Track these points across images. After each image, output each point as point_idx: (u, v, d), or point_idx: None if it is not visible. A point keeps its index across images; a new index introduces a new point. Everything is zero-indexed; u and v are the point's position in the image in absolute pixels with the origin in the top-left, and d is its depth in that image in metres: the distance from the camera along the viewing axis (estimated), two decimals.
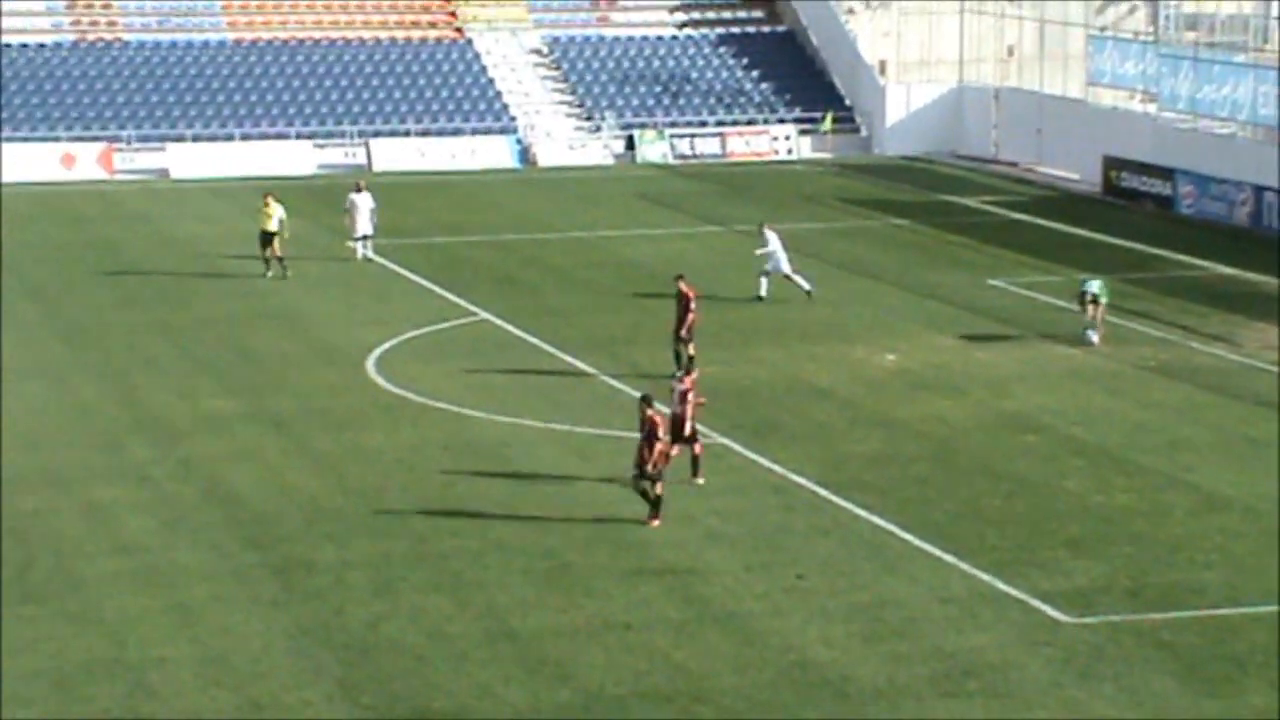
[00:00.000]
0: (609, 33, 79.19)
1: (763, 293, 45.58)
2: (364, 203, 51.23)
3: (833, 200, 63.48)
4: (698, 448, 31.22)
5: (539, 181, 68.14)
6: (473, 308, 45.50)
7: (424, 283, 48.66)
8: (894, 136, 74.21)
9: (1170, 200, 61.04)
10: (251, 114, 72.01)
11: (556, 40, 78.37)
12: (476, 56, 76.66)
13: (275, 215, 48.68)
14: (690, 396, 31.01)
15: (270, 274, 48.62)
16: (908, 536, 28.72)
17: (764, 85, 76.76)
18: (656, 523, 28.97)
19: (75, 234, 56.76)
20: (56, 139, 69.24)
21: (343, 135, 71.67)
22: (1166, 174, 61.43)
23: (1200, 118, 62.87)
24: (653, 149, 73.00)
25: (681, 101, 75.82)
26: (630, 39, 78.71)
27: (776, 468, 32.33)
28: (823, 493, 30.94)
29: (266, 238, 48.75)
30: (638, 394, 31.85)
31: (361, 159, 70.57)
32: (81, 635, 24.68)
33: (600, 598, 26.10)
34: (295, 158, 69.91)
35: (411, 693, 23.00)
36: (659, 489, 28.95)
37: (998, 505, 30.40)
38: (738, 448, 33.36)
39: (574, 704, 22.73)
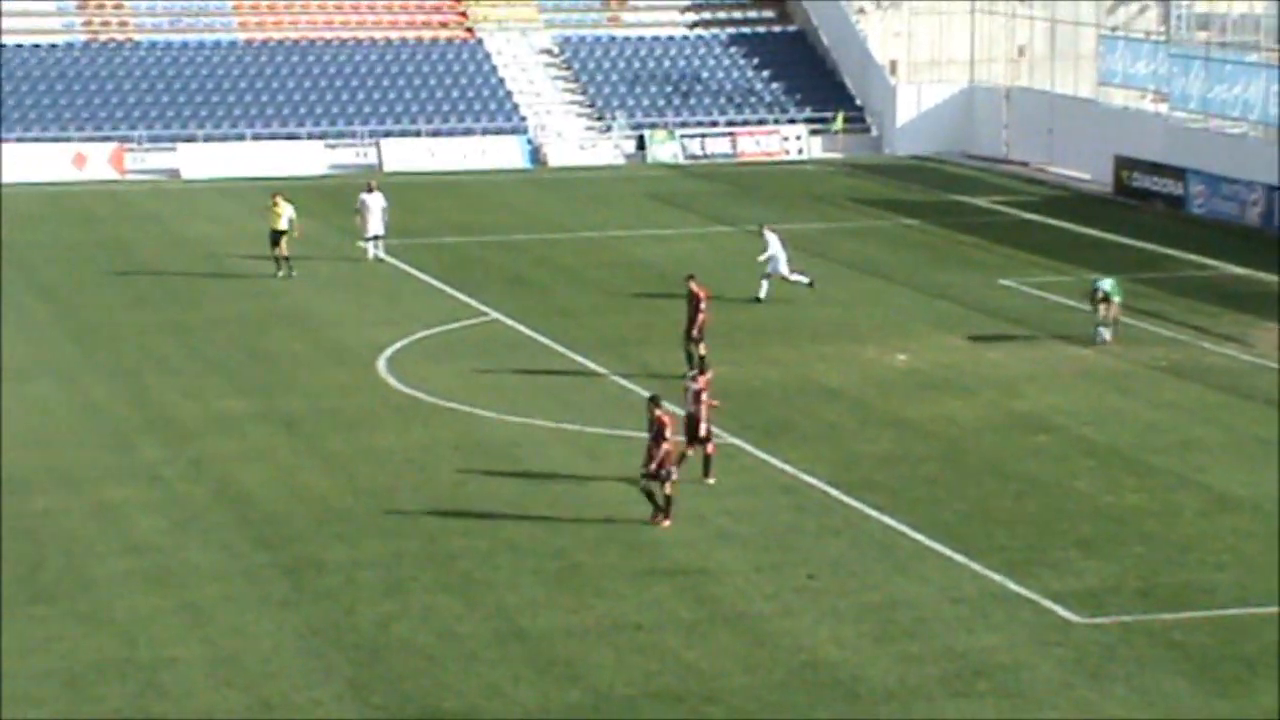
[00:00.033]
0: (620, 33, 79.20)
1: (762, 294, 45.58)
2: (375, 203, 51.25)
3: (843, 200, 63.46)
4: (710, 448, 31.21)
5: (550, 181, 68.15)
6: (483, 308, 45.51)
7: (435, 283, 48.68)
8: (905, 136, 74.18)
9: (1181, 200, 60.97)
10: (262, 114, 72.07)
11: (567, 40, 78.39)
12: (487, 56, 76.69)
13: (284, 214, 48.74)
14: (704, 396, 31.01)
15: (280, 274, 48.66)
16: (918, 536, 28.71)
17: (775, 85, 76.74)
18: (667, 523, 28.97)
19: (86, 234, 56.83)
20: (68, 139, 69.33)
21: (353, 135, 71.71)
22: (1178, 174, 61.35)
23: (1211, 118, 62.80)
24: (663, 149, 72.99)
25: (692, 101, 75.82)
26: (641, 39, 78.71)
27: (787, 468, 32.32)
28: (833, 493, 30.93)
29: (276, 237, 48.81)
30: (648, 394, 31.85)
31: (372, 159, 70.61)
32: (92, 635, 24.71)
33: (611, 598, 26.10)
34: (306, 158, 69.96)
35: (422, 692, 23.01)
36: (669, 489, 28.95)
37: (1009, 505, 30.38)
38: (748, 448, 33.34)
39: (584, 704, 22.73)
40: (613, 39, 78.76)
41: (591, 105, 75.38)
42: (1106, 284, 41.68)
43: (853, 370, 39.40)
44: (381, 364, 39.83)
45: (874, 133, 75.36)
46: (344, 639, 24.63)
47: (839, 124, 74.13)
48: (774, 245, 45.81)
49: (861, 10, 78.00)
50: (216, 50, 74.82)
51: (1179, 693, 23.06)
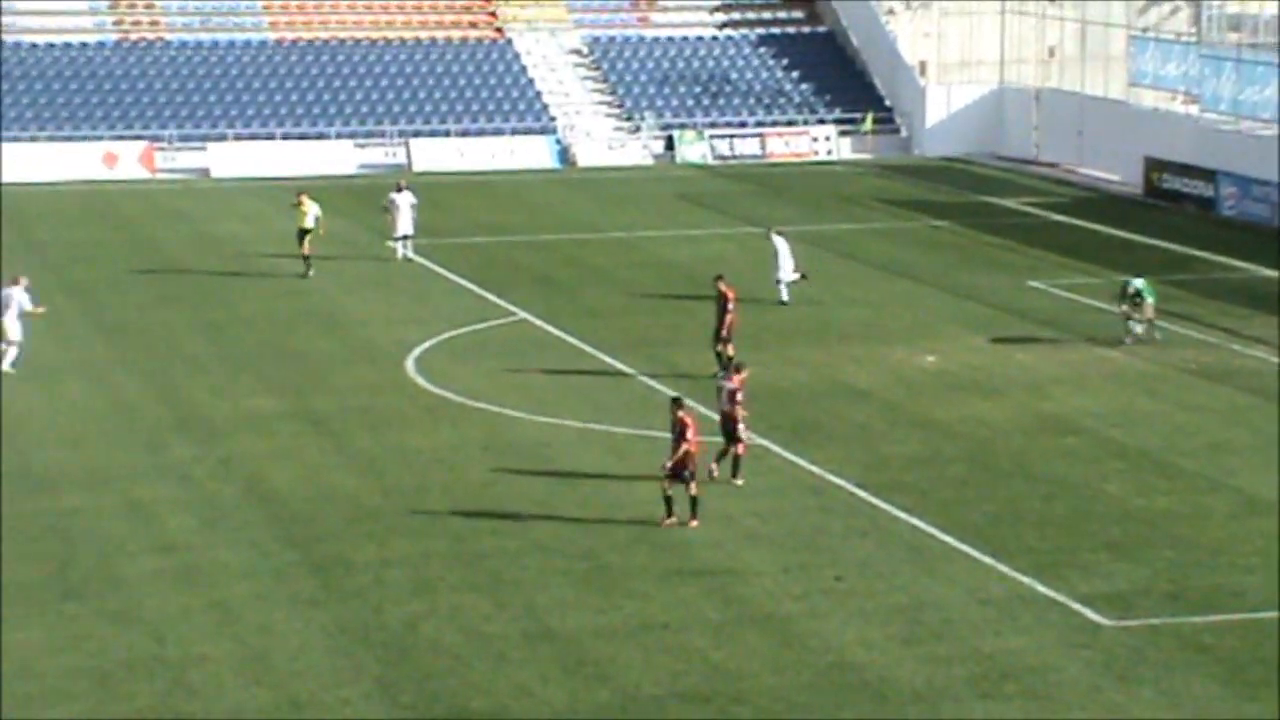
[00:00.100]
0: (649, 33, 79.22)
1: (785, 297, 45.60)
2: (405, 202, 51.34)
3: (872, 201, 63.40)
4: (740, 448, 31.22)
5: (578, 182, 68.19)
6: (512, 308, 45.56)
7: (463, 282, 48.75)
8: (934, 137, 74.08)
9: (1212, 202, 60.80)
10: (292, 113, 72.22)
11: (596, 40, 78.42)
12: (516, 57, 76.76)
13: (311, 213, 48.87)
14: (739, 396, 31.02)
15: (311, 273, 48.77)
16: (946, 538, 28.68)
17: (804, 86, 76.69)
18: (695, 523, 28.98)
19: (116, 233, 57.01)
20: (99, 138, 69.55)
21: (383, 135, 71.82)
22: (1208, 175, 61.18)
23: (1242, 119, 62.60)
24: (692, 149, 72.99)
25: (721, 102, 75.80)
26: (670, 39, 78.71)
27: (815, 469, 32.31)
28: (861, 494, 30.91)
29: (304, 236, 48.94)
30: (672, 395, 31.88)
31: (402, 159, 70.72)
32: (122, 633, 24.80)
33: (639, 598, 26.12)
34: (336, 157, 70.10)
35: (450, 692, 23.05)
36: (694, 489, 28.95)
37: (1037, 507, 30.33)
38: (776, 449, 33.34)
39: (612, 704, 22.76)
40: (642, 39, 78.78)
41: (620, 105, 75.41)
42: (1139, 283, 41.64)
43: (881, 371, 39.37)
44: (410, 363, 39.90)
45: (903, 134, 75.27)
46: (372, 638, 24.69)
47: (868, 125, 74.07)
48: (782, 248, 45.85)
49: (891, 11, 77.91)
50: (247, 50, 75.00)
51: (1208, 696, 23.01)
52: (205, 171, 69.00)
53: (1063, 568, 27.35)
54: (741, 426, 31.10)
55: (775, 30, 79.84)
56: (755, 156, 73.15)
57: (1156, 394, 37.80)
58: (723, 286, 38.65)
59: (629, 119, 74.67)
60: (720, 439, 31.40)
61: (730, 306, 38.32)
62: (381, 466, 32.45)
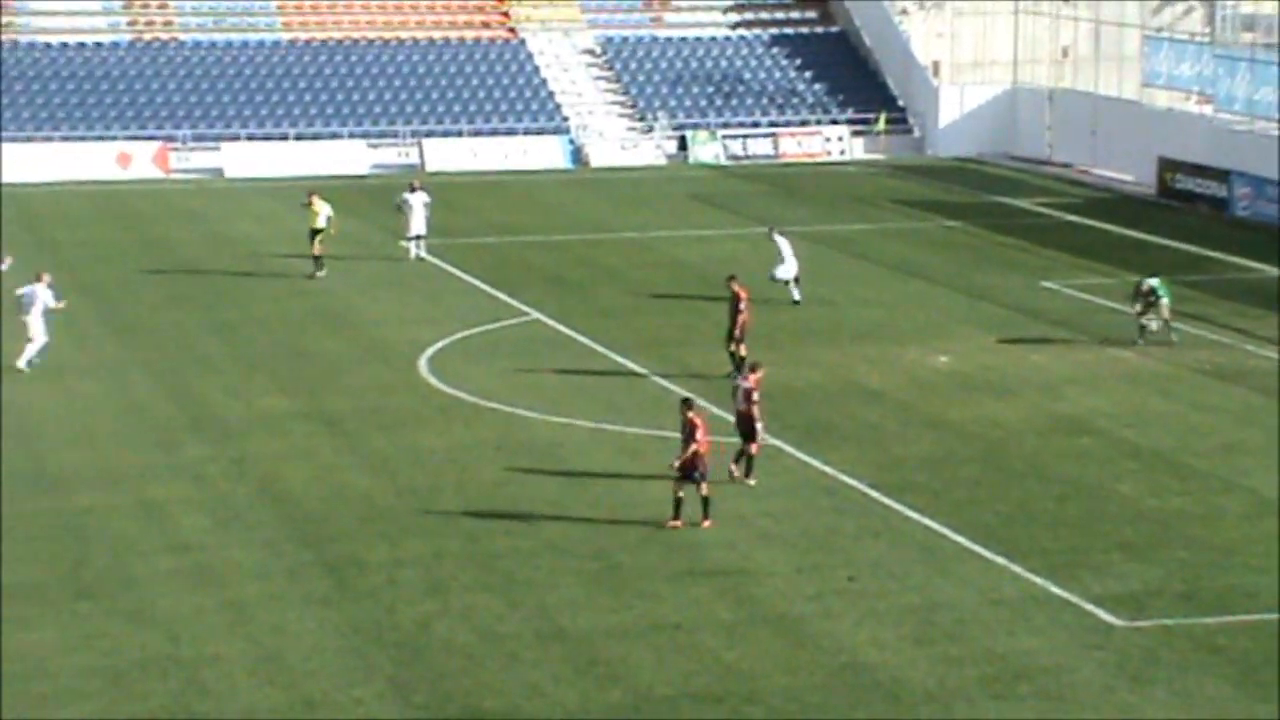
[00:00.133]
0: (662, 33, 79.22)
1: (797, 296, 45.60)
2: (418, 202, 51.39)
3: (885, 201, 63.37)
4: (754, 448, 31.23)
5: (591, 182, 68.21)
6: (525, 308, 45.59)
7: (476, 282, 48.78)
8: (947, 137, 74.04)
9: (1225, 202, 60.72)
10: (306, 114, 72.31)
11: (609, 40, 78.44)
12: (529, 57, 76.80)
13: (322, 213, 48.93)
14: (755, 395, 31.03)
15: (323, 273, 48.86)
16: (959, 539, 28.67)
17: (817, 86, 76.67)
18: (708, 523, 28.99)
19: (130, 233, 57.10)
20: (113, 138, 69.65)
21: (396, 135, 71.88)
22: (1222, 176, 61.10)
23: (1256, 119, 62.49)
24: (705, 149, 73.00)
25: (734, 102, 75.80)
26: (683, 39, 78.72)
27: (828, 469, 32.31)
28: (874, 494, 30.90)
29: (315, 235, 48.99)
30: (690, 395, 31.91)
31: (414, 159, 70.77)
32: (136, 632, 24.84)
33: (651, 598, 26.13)
34: (349, 157, 70.17)
35: (462, 692, 23.07)
36: (704, 489, 28.94)
37: (1050, 508, 30.31)
38: (789, 449, 33.33)
39: (624, 704, 22.77)
40: (655, 39, 78.79)
41: (633, 106, 75.41)
42: (1153, 281, 41.62)
43: (894, 372, 39.35)
44: (423, 363, 39.93)
45: (916, 134, 75.22)
46: (385, 638, 24.71)
47: (881, 125, 74.03)
48: (785, 248, 45.84)
49: (904, 11, 77.87)
50: (260, 50, 75.09)
51: (1221, 697, 22.98)
52: (219, 171, 69.09)
53: (1076, 568, 27.33)
54: (760, 426, 31.12)
55: (788, 30, 79.82)
56: (768, 157, 73.14)
57: (1170, 394, 37.76)
58: (735, 287, 38.65)
59: (642, 119, 74.68)
60: (738, 439, 31.40)
61: (743, 307, 38.32)
62: (394, 466, 32.48)
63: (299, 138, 71.07)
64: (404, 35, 76.99)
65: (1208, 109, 64.91)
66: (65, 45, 73.57)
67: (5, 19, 74.12)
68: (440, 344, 41.73)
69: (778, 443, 33.34)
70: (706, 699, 22.88)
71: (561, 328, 43.39)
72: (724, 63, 77.65)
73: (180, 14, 76.29)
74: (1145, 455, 33.39)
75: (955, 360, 40.44)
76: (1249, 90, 62.15)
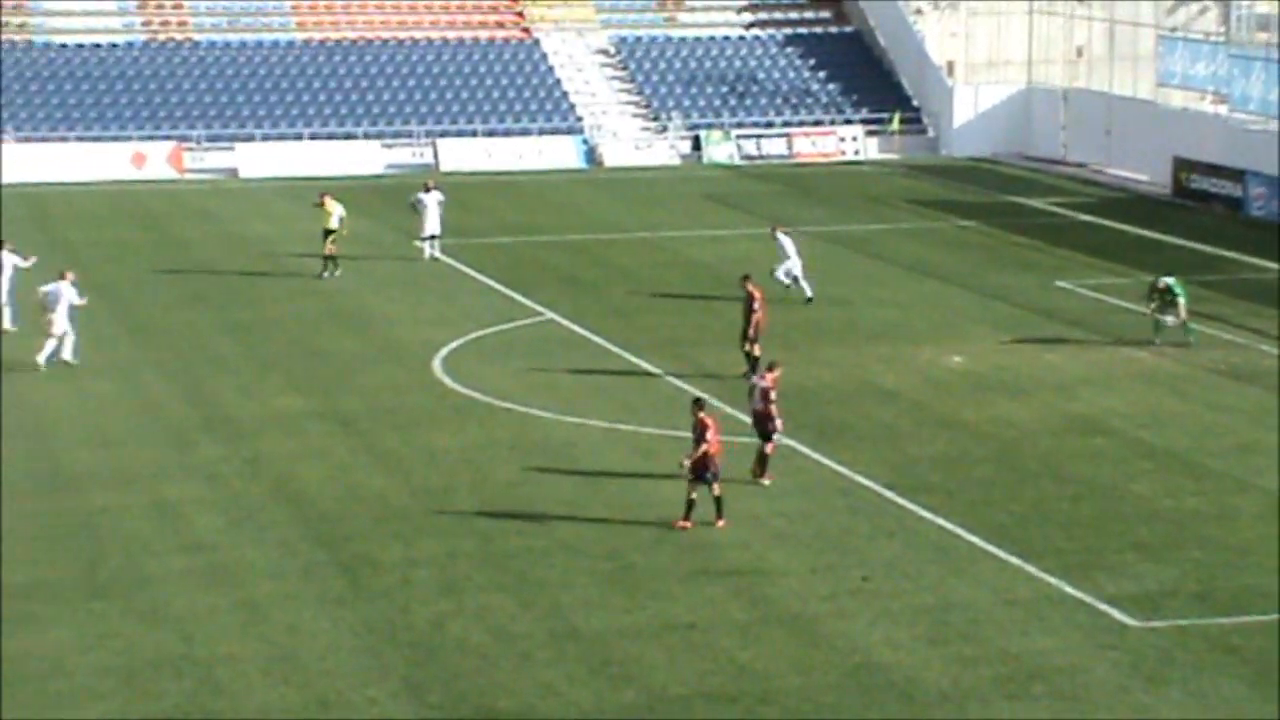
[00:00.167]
0: (676, 33, 79.23)
1: (809, 293, 45.61)
2: (433, 201, 51.44)
3: (900, 201, 63.33)
4: (769, 447, 31.22)
5: (605, 182, 68.22)
6: (539, 307, 45.60)
7: (490, 282, 48.80)
8: (961, 137, 73.99)
9: (1240, 202, 60.63)
10: (320, 114, 72.38)
11: (623, 40, 78.45)
12: (544, 57, 76.83)
13: (335, 213, 48.97)
14: (773, 395, 31.02)
15: (338, 272, 48.91)
16: (973, 539, 28.64)
17: (831, 86, 76.65)
18: (722, 523, 28.98)
19: (145, 233, 57.19)
20: (127, 138, 69.78)
21: (410, 135, 71.95)
22: (1237, 176, 61.02)
23: (1271, 119, 62.37)
24: (719, 149, 72.98)
25: (748, 102, 75.79)
26: (697, 39, 78.72)
27: (842, 469, 32.29)
28: (888, 494, 30.88)
29: (328, 235, 49.04)
30: (703, 395, 31.91)
31: (429, 159, 70.84)
32: (150, 632, 24.87)
33: (665, 598, 26.12)
34: (363, 157, 70.25)
35: (476, 691, 23.08)
36: (717, 489, 28.92)
37: (1065, 508, 30.28)
38: (803, 449, 33.32)
39: (638, 704, 22.76)
40: (669, 39, 78.80)
41: (647, 105, 75.43)
42: (1170, 280, 41.56)
43: (908, 371, 39.33)
44: (437, 363, 39.95)
45: (931, 134, 75.18)
46: (399, 637, 24.73)
47: (895, 125, 73.99)
48: (789, 249, 45.82)
49: (919, 11, 77.84)
50: (275, 50, 75.19)
51: (1236, 697, 22.94)
52: (233, 172, 69.19)
53: (1090, 568, 27.29)
54: (779, 422, 31.12)
55: (802, 30, 79.80)
56: (782, 156, 73.12)
57: (1185, 394, 37.70)
58: (750, 286, 38.64)
59: (656, 119, 74.69)
60: (750, 439, 31.38)
61: (757, 306, 38.31)
62: (409, 466, 32.51)
63: (313, 138, 71.15)
64: (418, 35, 77.05)
65: (1223, 109, 64.82)
66: (80, 46, 73.72)
67: (20, 19, 74.29)
68: (454, 344, 41.76)
69: (792, 443, 33.31)
70: (720, 699, 22.88)
71: (575, 327, 43.39)
72: (738, 63, 77.64)
73: (195, 14, 76.42)
74: (1160, 455, 33.35)
75: (969, 360, 40.41)
76: (1264, 90, 62.05)
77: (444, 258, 51.41)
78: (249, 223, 58.78)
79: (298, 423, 35.33)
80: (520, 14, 78.87)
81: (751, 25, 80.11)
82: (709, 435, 28.82)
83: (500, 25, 78.42)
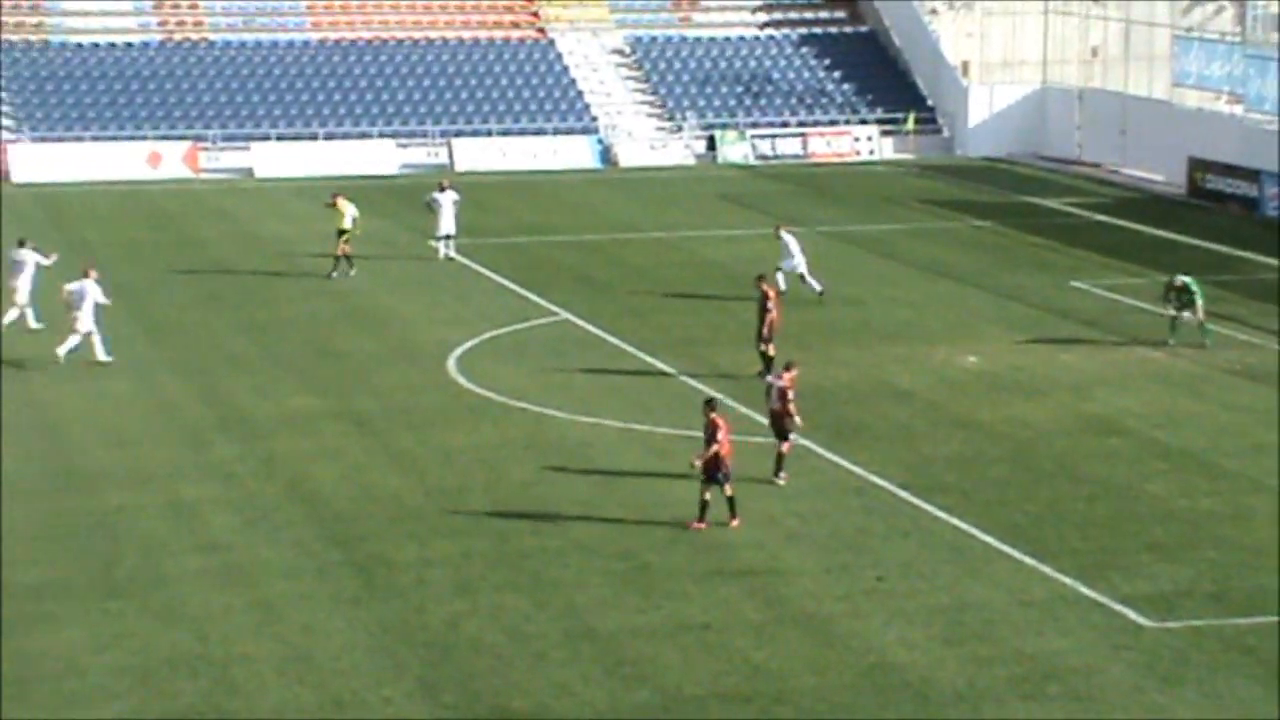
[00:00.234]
0: (690, 33, 79.23)
1: (818, 288, 45.59)
2: (448, 201, 51.48)
3: (914, 201, 63.29)
4: (785, 446, 31.23)
5: (620, 182, 68.23)
6: (553, 307, 45.62)
7: (505, 282, 48.83)
8: (976, 137, 73.93)
9: (1256, 202, 60.53)
10: (335, 113, 72.45)
11: (638, 40, 78.46)
12: (558, 56, 76.84)
13: (348, 213, 49.01)
14: (791, 394, 31.02)
15: (353, 272, 48.94)
16: (988, 539, 28.62)
17: (846, 86, 76.60)
18: (736, 523, 28.99)
19: (161, 232, 57.26)
20: (143, 138, 69.88)
21: (425, 135, 71.99)
22: (1252, 176, 60.91)
23: None
24: (734, 149, 72.97)
25: (763, 102, 75.76)
26: (712, 39, 78.71)
27: (857, 469, 32.28)
28: (903, 494, 30.87)
29: (341, 235, 49.07)
30: (718, 394, 31.91)
31: (444, 159, 70.87)
32: (166, 631, 24.91)
33: (679, 598, 26.13)
34: (378, 157, 70.30)
35: (491, 691, 23.10)
36: (729, 490, 28.92)
37: (1080, 508, 30.25)
38: (818, 449, 33.31)
39: (653, 704, 22.78)
40: (684, 39, 78.79)
41: (662, 105, 75.43)
42: (1186, 279, 41.49)
43: (923, 372, 39.31)
44: (452, 363, 39.99)
45: (946, 134, 75.13)
46: (414, 637, 24.75)
47: (910, 125, 73.94)
48: (793, 247, 45.78)
49: (934, 10, 77.78)
50: (290, 50, 75.27)
51: (1251, 698, 22.91)
52: (249, 171, 69.27)
53: (1105, 569, 27.27)
54: (798, 420, 31.12)
55: (817, 30, 79.76)
56: (797, 156, 73.09)
57: (1200, 395, 37.65)
58: (764, 286, 38.64)
59: (670, 119, 74.69)
60: (762, 439, 31.38)
61: (771, 306, 38.30)
62: (423, 466, 32.54)
63: (328, 137, 71.22)
64: (433, 35, 77.10)
65: (1238, 109, 64.72)
66: (96, 45, 73.84)
67: (37, 19, 74.43)
68: (469, 344, 41.79)
69: (806, 443, 33.29)
70: (735, 699, 22.88)
71: (590, 327, 43.41)
72: (753, 63, 77.62)
73: (210, 14, 76.52)
74: (1175, 455, 33.31)
75: (984, 360, 40.38)
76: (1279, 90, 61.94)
77: (459, 257, 51.45)
78: (264, 222, 58.85)
79: (313, 422, 35.38)
80: (535, 14, 78.90)
81: (766, 25, 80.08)
82: (719, 436, 28.81)
83: (515, 25, 78.46)
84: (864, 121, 74.76)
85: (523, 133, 72.67)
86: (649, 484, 31.33)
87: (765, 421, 32.04)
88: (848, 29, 80.00)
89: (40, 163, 67.54)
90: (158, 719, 22.45)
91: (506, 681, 23.36)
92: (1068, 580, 26.82)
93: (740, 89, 76.23)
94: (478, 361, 40.18)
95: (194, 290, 48.11)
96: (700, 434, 29.40)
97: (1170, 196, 64.19)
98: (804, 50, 78.38)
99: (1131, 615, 25.50)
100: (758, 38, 79.16)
